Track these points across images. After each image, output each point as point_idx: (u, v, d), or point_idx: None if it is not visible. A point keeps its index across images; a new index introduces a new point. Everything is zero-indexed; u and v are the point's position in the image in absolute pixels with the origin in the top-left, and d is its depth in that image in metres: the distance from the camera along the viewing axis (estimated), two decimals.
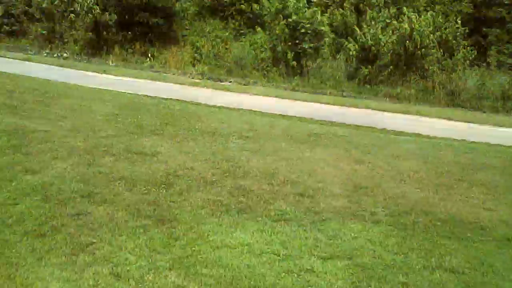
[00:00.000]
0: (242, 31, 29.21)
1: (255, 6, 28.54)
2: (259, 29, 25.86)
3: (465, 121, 19.00)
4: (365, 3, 23.94)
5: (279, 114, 17.52)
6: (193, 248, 7.02)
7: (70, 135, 11.20)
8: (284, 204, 8.56)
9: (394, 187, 9.82)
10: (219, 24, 29.87)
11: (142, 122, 12.65)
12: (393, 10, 24.14)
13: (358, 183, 9.84)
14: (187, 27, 28.12)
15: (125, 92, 16.45)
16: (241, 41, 27.71)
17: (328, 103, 20.64)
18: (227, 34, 26.57)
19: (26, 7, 28.66)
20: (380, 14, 23.74)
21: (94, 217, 7.68)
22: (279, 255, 6.95)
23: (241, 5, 29.31)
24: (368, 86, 21.69)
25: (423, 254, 7.30)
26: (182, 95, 20.12)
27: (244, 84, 23.14)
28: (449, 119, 19.24)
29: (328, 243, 7.39)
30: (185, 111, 14.51)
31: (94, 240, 7.09)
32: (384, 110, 19.94)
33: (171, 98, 17.05)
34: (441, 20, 22.37)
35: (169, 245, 7.06)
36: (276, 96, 21.40)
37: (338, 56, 23.56)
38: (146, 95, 17.29)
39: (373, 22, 23.10)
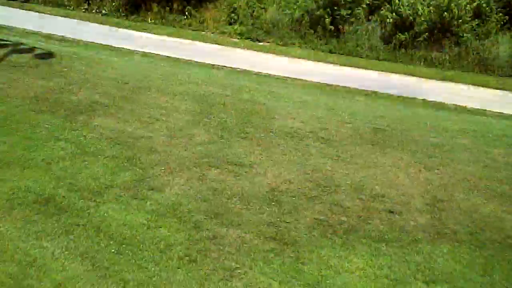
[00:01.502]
0: None
1: None
2: None
3: (499, 88, 19.97)
4: None
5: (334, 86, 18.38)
6: (321, 274, 8.01)
7: (170, 143, 11.81)
8: (380, 224, 9.55)
9: (465, 199, 10.65)
10: None
11: (224, 122, 13.09)
12: None
13: (434, 195, 10.66)
14: None
15: (197, 82, 16.21)
16: None
17: (365, 68, 21.62)
18: None
19: None
20: None
21: (228, 240, 8.58)
22: (390, 280, 8.04)
23: None
24: (403, 51, 22.43)
25: (506, 275, 8.38)
26: (227, 59, 21.09)
27: (282, 45, 23.94)
28: (484, 86, 20.22)
29: (427, 267, 8.46)
30: (255, 103, 14.67)
31: (237, 265, 8.00)
32: (420, 76, 20.92)
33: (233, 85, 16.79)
34: None
35: (300, 270, 8.05)
36: (314, 60, 22.33)
37: (373, 18, 24.13)
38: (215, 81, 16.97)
39: None
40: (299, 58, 22.31)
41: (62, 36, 22.64)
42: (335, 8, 23.26)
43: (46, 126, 11.86)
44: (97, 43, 22.01)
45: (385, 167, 11.64)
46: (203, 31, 25.44)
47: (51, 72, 14.79)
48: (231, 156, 11.46)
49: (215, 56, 21.55)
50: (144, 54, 20.96)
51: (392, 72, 21.24)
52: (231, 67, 20.24)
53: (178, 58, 20.65)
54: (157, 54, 21.05)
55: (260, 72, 20.03)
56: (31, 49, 16.86)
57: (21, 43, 17.58)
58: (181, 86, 15.01)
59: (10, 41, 17.70)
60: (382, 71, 21.35)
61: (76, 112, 12.57)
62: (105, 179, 10.07)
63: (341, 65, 21.82)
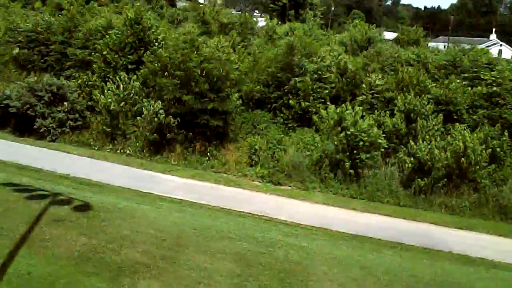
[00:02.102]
0: (290, 125, 30.95)
1: (303, 104, 30.45)
2: (307, 128, 27.84)
3: None
4: (415, 111, 25.54)
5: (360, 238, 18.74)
6: None
7: None
8: None
9: None
10: (267, 116, 31.75)
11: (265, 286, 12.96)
12: (440, 119, 25.80)
13: None
14: (240, 125, 29.72)
15: (231, 237, 16.13)
16: (290, 135, 29.46)
17: (388, 215, 22.05)
18: (281, 135, 28.10)
19: (89, 102, 30.51)
20: (430, 123, 25.36)
21: None
22: None
23: (290, 100, 30.99)
24: (423, 196, 23.03)
25: None
26: (253, 206, 21.59)
27: (303, 189, 24.57)
28: (506, 236, 20.56)
29: None
30: (291, 262, 14.49)
31: None
32: (442, 225, 21.31)
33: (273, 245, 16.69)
34: (490, 133, 23.94)
35: None
36: (337, 206, 22.85)
37: (390, 161, 25.02)
38: (254, 237, 16.56)
39: (424, 132, 24.74)
40: (322, 204, 22.85)
41: (91, 180, 23.35)
42: (355, 152, 24.17)
43: None
44: (126, 188, 22.66)
45: None
46: (226, 173, 26.26)
47: (91, 227, 15.09)
48: None
49: (240, 202, 22.09)
50: (172, 200, 21.52)
51: (415, 220, 21.69)
52: (257, 215, 20.68)
53: (205, 205, 21.16)
54: (184, 200, 21.60)
55: (286, 221, 20.44)
56: (68, 201, 17.31)
57: (58, 193, 18.06)
58: (217, 243, 15.24)
59: (48, 191, 18.22)
60: (404, 218, 21.81)
61: (120, 274, 12.69)
62: None
63: (363, 211, 22.31)
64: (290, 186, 24.91)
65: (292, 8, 68.30)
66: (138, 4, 44.20)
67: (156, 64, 28.34)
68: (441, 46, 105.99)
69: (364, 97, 29.78)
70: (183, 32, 36.51)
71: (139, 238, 14.92)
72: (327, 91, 30.77)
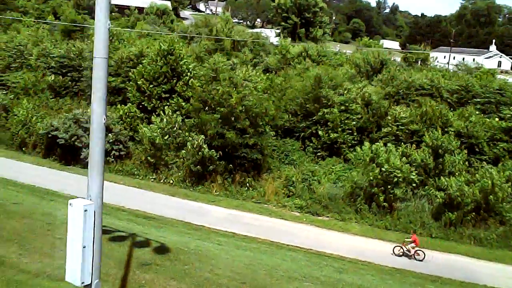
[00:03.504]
0: (319, 154, 32.97)
1: (332, 135, 32.44)
2: (335, 157, 30.01)
3: None
4: (442, 148, 27.58)
5: (404, 272, 20.67)
6: None
7: None
8: None
9: None
10: (296, 145, 33.77)
11: None
12: (465, 155, 27.88)
13: None
14: (274, 156, 31.72)
15: (296, 278, 17.54)
16: (320, 164, 31.47)
17: (422, 246, 24.01)
18: (314, 167, 30.08)
19: (131, 132, 32.42)
20: (455, 158, 27.43)
21: None
22: None
23: (319, 131, 32.99)
24: (453, 229, 25.06)
25: None
26: (299, 239, 23.52)
27: (340, 220, 26.54)
28: None
29: None
30: None
31: None
32: (473, 256, 23.35)
33: None
34: None
35: None
36: (374, 237, 24.83)
37: (419, 192, 27.01)
38: None
39: (450, 166, 26.83)
40: (360, 235, 24.81)
41: (146, 212, 25.25)
42: (388, 186, 26.14)
43: None
44: (179, 220, 24.64)
45: None
46: (265, 203, 28.17)
47: (176, 271, 16.87)
48: None
49: (286, 234, 24.03)
50: (226, 235, 23.43)
51: (446, 252, 23.69)
52: (305, 248, 22.64)
53: (256, 239, 23.16)
54: (237, 234, 23.56)
55: (333, 254, 22.41)
56: (147, 242, 19.17)
57: (134, 234, 19.93)
58: (288, 285, 17.16)
59: (124, 231, 20.04)
60: (437, 250, 23.79)
61: None
62: None
63: (399, 243, 24.22)
64: (328, 217, 26.85)
65: (302, 26, 70.10)
66: (172, 36, 46.00)
67: (197, 102, 30.12)
68: (441, 56, 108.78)
69: (390, 129, 31.79)
70: (213, 62, 38.39)
71: (221, 281, 16.81)
72: (354, 122, 32.78)
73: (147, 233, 20.92)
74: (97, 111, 7.77)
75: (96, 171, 8.30)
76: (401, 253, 23.02)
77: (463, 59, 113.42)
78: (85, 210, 7.67)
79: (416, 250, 22.88)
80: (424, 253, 22.74)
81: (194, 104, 30.47)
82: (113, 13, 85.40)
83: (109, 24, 7.51)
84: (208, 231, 23.63)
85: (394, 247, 23.31)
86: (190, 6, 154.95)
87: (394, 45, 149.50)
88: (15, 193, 25.42)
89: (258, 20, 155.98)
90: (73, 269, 7.75)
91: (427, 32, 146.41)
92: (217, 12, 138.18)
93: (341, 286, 17.90)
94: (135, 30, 69.04)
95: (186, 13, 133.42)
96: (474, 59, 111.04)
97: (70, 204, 7.85)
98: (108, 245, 18.76)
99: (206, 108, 30.33)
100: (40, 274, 16.23)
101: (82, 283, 7.75)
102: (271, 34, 74.90)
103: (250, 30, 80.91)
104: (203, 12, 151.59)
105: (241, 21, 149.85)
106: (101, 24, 7.49)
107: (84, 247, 7.67)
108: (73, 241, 7.76)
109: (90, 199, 8.24)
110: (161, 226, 23.27)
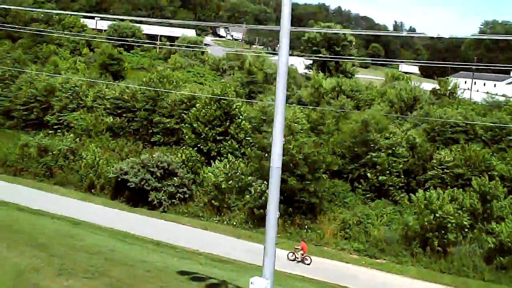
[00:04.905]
0: (368, 195, 35.21)
1: (380, 178, 34.69)
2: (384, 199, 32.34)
3: None
4: (490, 194, 29.75)
5: None
6: None
7: None
8: None
9: None
10: (345, 186, 36.04)
11: None
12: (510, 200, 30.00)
13: None
14: (332, 199, 34.08)
15: None
16: (369, 205, 33.65)
17: None
18: (369, 210, 32.32)
19: (192, 175, 34.94)
20: (502, 203, 29.55)
21: None
22: None
23: (368, 174, 35.26)
24: (504, 271, 27.06)
25: None
26: (369, 284, 25.65)
27: (397, 263, 28.64)
28: None
29: None
30: None
31: None
32: None
33: None
34: None
35: None
36: (430, 281, 26.88)
37: (469, 239, 29.07)
38: None
39: (499, 212, 28.94)
40: (419, 279, 26.87)
41: (219, 255, 27.55)
42: (442, 231, 28.25)
43: None
44: (252, 264, 26.71)
45: None
46: (325, 246, 30.37)
47: None
48: None
49: (352, 279, 26.15)
50: (302, 279, 25.66)
51: None
52: None
53: (329, 283, 25.41)
54: (311, 279, 25.68)
55: None
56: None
57: (224, 281, 22.33)
58: None
59: (216, 278, 22.43)
60: None
61: None
62: None
63: (455, 286, 26.29)
64: (385, 259, 28.95)
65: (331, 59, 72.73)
66: (223, 81, 48.72)
67: (258, 150, 32.56)
68: (462, 82, 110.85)
69: (435, 172, 34.00)
70: (262, 106, 41.01)
71: None
72: (401, 166, 35.02)
73: (235, 279, 23.22)
74: None
75: (270, 254, 10.53)
76: (292, 259, 27.99)
77: (484, 84, 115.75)
78: None
79: (304, 256, 27.86)
80: (311, 259, 27.68)
81: (255, 152, 32.85)
82: (145, 45, 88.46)
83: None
84: (284, 275, 25.76)
85: (288, 253, 28.11)
86: (212, 31, 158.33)
87: (413, 69, 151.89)
88: (101, 238, 27.97)
89: (278, 46, 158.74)
90: None
91: (446, 56, 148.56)
92: (237, 38, 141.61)
93: None
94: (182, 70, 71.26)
95: (207, 39, 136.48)
96: (495, 85, 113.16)
97: (252, 282, 10.31)
98: None
99: (266, 155, 32.71)
100: None
101: None
102: (295, 62, 76.80)
103: (275, 58, 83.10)
104: (224, 37, 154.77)
105: (262, 46, 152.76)
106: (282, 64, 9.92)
107: None
108: None
109: (266, 278, 10.56)
110: (239, 270, 25.52)
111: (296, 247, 28.23)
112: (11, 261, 23.03)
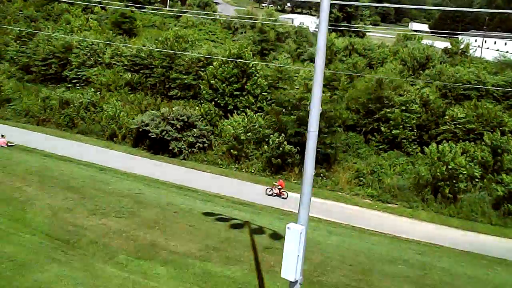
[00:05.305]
0: (380, 147, 36.39)
1: (394, 131, 35.75)
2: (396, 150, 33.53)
3: None
4: (501, 148, 30.87)
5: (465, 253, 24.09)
6: None
7: None
8: None
9: None
10: (359, 138, 37.22)
11: None
12: None
13: None
14: (344, 151, 35.30)
15: (390, 260, 21.11)
16: (383, 157, 34.88)
17: (483, 232, 27.28)
18: (383, 160, 33.54)
19: (212, 127, 36.26)
20: None
21: None
22: None
23: (381, 128, 36.34)
24: (511, 216, 28.39)
25: None
26: (373, 223, 27.00)
27: (408, 208, 29.98)
28: None
29: None
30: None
31: None
32: None
33: None
34: None
35: None
36: (439, 223, 28.17)
37: (479, 187, 30.33)
38: None
39: (509, 164, 30.09)
40: (429, 222, 28.22)
41: (239, 198, 28.89)
42: (454, 181, 29.49)
43: None
44: (268, 206, 28.13)
45: None
46: (339, 191, 31.75)
47: None
48: None
49: (363, 220, 27.41)
50: (313, 219, 26.97)
51: (506, 237, 27.00)
52: (384, 233, 26.05)
53: (340, 223, 26.65)
54: (321, 219, 26.96)
55: (408, 238, 25.77)
56: (261, 230, 22.99)
57: (247, 221, 23.78)
58: (390, 267, 20.85)
59: (238, 219, 23.88)
60: (496, 236, 27.06)
61: None
62: None
63: (463, 229, 27.59)
64: (397, 204, 30.31)
65: (344, 19, 72.87)
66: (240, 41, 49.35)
67: (275, 107, 33.72)
68: (472, 40, 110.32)
69: (448, 127, 35.04)
70: (278, 64, 41.99)
71: (334, 263, 20.55)
72: (414, 121, 36.05)
73: (256, 220, 24.68)
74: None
75: (305, 204, 11.47)
76: (270, 193, 29.83)
77: (495, 43, 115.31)
78: (300, 233, 11.07)
79: (282, 191, 29.85)
80: (287, 193, 29.65)
81: (273, 107, 34.04)
82: (156, 4, 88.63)
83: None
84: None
85: (266, 189, 30.02)
86: None
87: (423, 27, 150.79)
88: (128, 182, 29.49)
89: (288, 4, 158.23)
90: (289, 269, 11.22)
91: (457, 15, 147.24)
92: None
93: (429, 268, 21.46)
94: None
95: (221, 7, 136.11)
96: (505, 44, 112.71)
97: (288, 227, 11.27)
98: (231, 232, 22.72)
99: (283, 110, 33.92)
100: (189, 255, 20.12)
101: (295, 278, 11.23)
102: (306, 21, 77.16)
103: (283, 17, 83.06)
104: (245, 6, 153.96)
105: (271, 5, 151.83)
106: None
107: (297, 255, 11.14)
108: (290, 251, 11.17)
109: (302, 224, 11.52)
110: (259, 212, 26.93)
111: (274, 183, 30.43)
112: (44, 202, 24.62)
